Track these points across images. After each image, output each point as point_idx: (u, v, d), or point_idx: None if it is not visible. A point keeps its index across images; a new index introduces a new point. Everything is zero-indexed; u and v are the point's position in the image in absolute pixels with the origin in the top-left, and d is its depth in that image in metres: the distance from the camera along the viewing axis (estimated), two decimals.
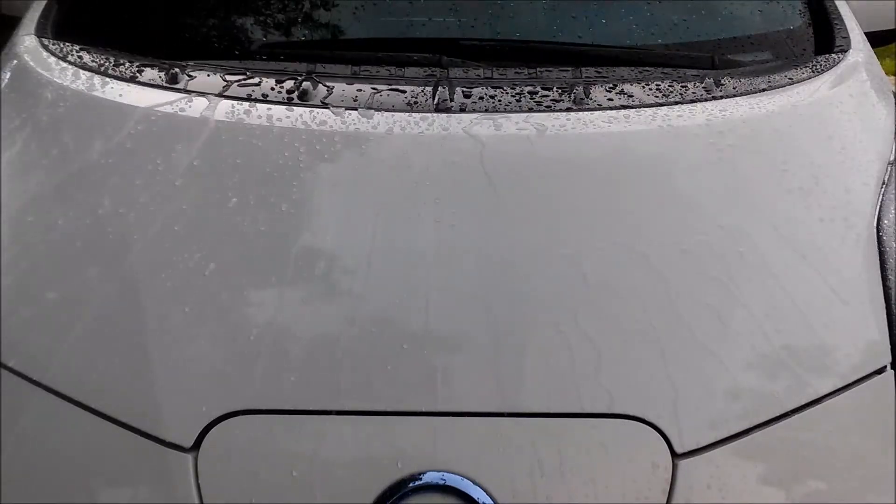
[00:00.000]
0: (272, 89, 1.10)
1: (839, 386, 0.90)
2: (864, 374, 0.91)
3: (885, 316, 0.95)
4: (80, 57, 1.19)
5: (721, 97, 1.12)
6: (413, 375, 0.87)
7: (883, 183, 1.08)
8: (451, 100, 1.08)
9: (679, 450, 0.85)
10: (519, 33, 1.26)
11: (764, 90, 1.16)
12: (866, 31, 1.39)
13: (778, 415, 0.88)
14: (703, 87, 1.14)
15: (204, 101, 1.08)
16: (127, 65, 1.16)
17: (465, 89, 1.10)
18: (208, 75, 1.13)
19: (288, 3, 1.29)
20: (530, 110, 1.08)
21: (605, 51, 1.23)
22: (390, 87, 1.11)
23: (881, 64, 1.36)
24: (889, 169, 1.10)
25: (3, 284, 0.94)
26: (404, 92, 1.10)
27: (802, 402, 0.89)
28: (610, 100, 1.10)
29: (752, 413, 0.88)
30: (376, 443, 0.85)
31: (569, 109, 1.08)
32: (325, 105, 1.08)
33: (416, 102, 1.08)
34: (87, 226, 0.98)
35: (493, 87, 1.11)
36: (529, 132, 1.04)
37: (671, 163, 1.05)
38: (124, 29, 1.29)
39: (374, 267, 0.94)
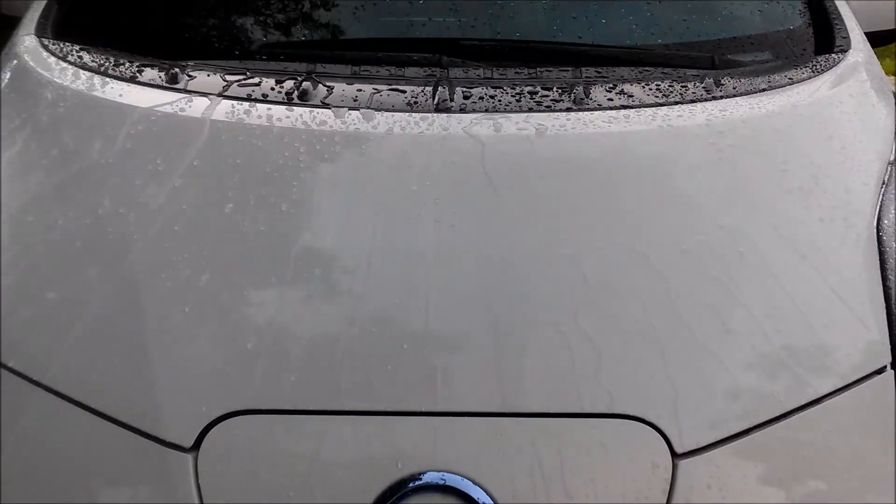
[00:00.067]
0: (272, 89, 1.10)
1: (839, 386, 0.90)
2: (864, 374, 0.91)
3: (885, 316, 0.95)
4: (80, 57, 1.19)
5: (721, 97, 1.12)
6: (413, 375, 0.87)
7: (883, 183, 1.08)
8: (451, 100, 1.08)
9: (679, 450, 0.85)
10: (519, 33, 1.26)
11: (764, 90, 1.16)
12: (866, 31, 1.39)
13: (778, 415, 0.88)
14: (703, 87, 1.14)
15: (204, 101, 1.08)
16: (127, 65, 1.16)
17: (465, 89, 1.10)
18: (208, 75, 1.13)
19: (288, 3, 1.29)
20: (530, 110, 1.08)
21: (605, 51, 1.23)
22: (390, 87, 1.11)
23: (881, 64, 1.36)
24: (889, 169, 1.10)
25: (3, 284, 0.94)
26: (404, 92, 1.10)
27: (802, 402, 0.89)
28: (610, 100, 1.10)
29: (752, 413, 0.88)
30: (376, 443, 0.85)
31: (569, 109, 1.08)
32: (325, 105, 1.08)
33: (416, 102, 1.08)
34: (87, 226, 0.98)
35: (493, 87, 1.11)
36: (529, 132, 1.04)
37: (671, 163, 1.05)
38: (124, 29, 1.29)
39: (374, 267, 0.94)
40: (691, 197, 1.02)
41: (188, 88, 1.11)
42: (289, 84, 1.11)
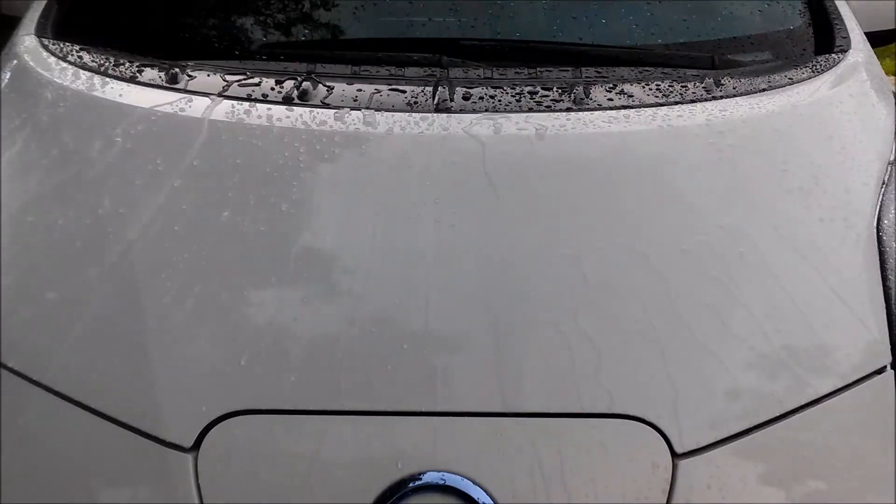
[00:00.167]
0: (272, 89, 1.10)
1: (839, 386, 0.90)
2: (864, 374, 0.91)
3: (885, 316, 0.95)
4: (80, 57, 1.19)
5: (721, 97, 1.12)
6: (413, 375, 0.87)
7: (883, 183, 1.08)
8: (451, 100, 1.08)
9: (679, 450, 0.85)
10: (519, 33, 1.26)
11: (764, 90, 1.16)
12: (866, 31, 1.39)
13: (778, 415, 0.88)
14: (703, 87, 1.14)
15: (204, 101, 1.08)
16: (127, 65, 1.16)
17: (465, 89, 1.10)
18: (208, 75, 1.13)
19: (288, 3, 1.29)
20: (530, 110, 1.08)
21: (605, 51, 1.23)
22: (390, 87, 1.11)
23: (881, 64, 1.36)
24: (889, 169, 1.10)
25: (3, 284, 0.94)
26: (404, 92, 1.10)
27: (802, 402, 0.89)
28: (610, 100, 1.10)
29: (752, 413, 0.88)
30: (376, 443, 0.85)
31: (569, 109, 1.08)
32: (325, 105, 1.08)
33: (416, 102, 1.08)
34: (87, 226, 0.98)
35: (493, 87, 1.11)
36: (529, 132, 1.04)
37: (671, 163, 1.05)
38: (124, 29, 1.29)
39: (374, 267, 0.94)
40: (691, 197, 1.02)
41: (188, 88, 1.11)
42: (289, 84, 1.11)
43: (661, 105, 1.10)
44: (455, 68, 1.17)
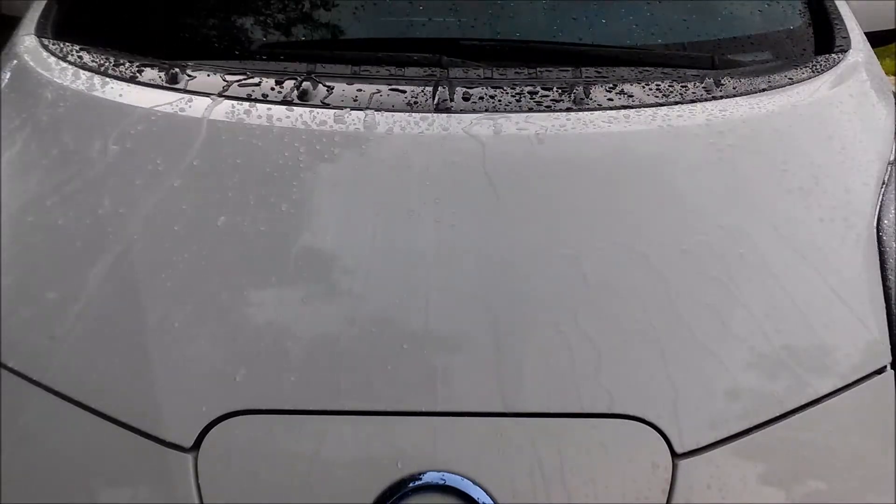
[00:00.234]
0: (272, 89, 1.10)
1: (839, 386, 0.90)
2: (864, 374, 0.91)
3: (885, 316, 0.95)
4: (80, 57, 1.19)
5: (721, 97, 1.12)
6: (413, 375, 0.87)
7: (883, 183, 1.08)
8: (451, 100, 1.08)
9: (679, 450, 0.85)
10: (519, 33, 1.26)
11: (764, 90, 1.16)
12: (866, 31, 1.39)
13: (778, 415, 0.88)
14: (703, 87, 1.14)
15: (204, 101, 1.08)
16: (127, 65, 1.16)
17: (465, 89, 1.10)
18: (208, 75, 1.13)
19: (288, 3, 1.29)
20: (530, 110, 1.08)
21: (605, 51, 1.23)
22: (390, 87, 1.11)
23: (881, 64, 1.36)
24: (889, 169, 1.10)
25: (3, 284, 0.94)
26: (404, 92, 1.10)
27: (802, 402, 0.89)
28: (610, 100, 1.10)
29: (752, 413, 0.88)
30: (376, 443, 0.85)
31: (569, 109, 1.08)
32: (325, 105, 1.08)
33: (416, 102, 1.08)
34: (87, 226, 0.98)
35: (493, 87, 1.11)
36: (529, 132, 1.04)
37: (671, 163, 1.05)
38: (124, 29, 1.29)
39: (374, 267, 0.94)
40: (691, 197, 1.02)
41: (188, 88, 1.11)
42: (289, 84, 1.11)
43: (661, 105, 1.10)
44: (455, 68, 1.17)
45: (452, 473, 0.83)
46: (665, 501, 0.84)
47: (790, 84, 1.18)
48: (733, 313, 0.93)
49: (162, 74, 1.13)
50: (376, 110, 1.07)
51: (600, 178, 1.03)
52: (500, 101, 1.09)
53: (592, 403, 0.86)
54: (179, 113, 1.07)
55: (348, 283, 0.93)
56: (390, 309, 0.91)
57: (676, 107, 1.10)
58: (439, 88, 1.10)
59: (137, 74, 1.14)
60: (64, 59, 1.19)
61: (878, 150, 1.13)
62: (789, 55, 1.30)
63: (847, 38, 1.31)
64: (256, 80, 1.11)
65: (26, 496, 0.85)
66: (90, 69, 1.16)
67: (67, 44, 1.23)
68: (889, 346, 0.93)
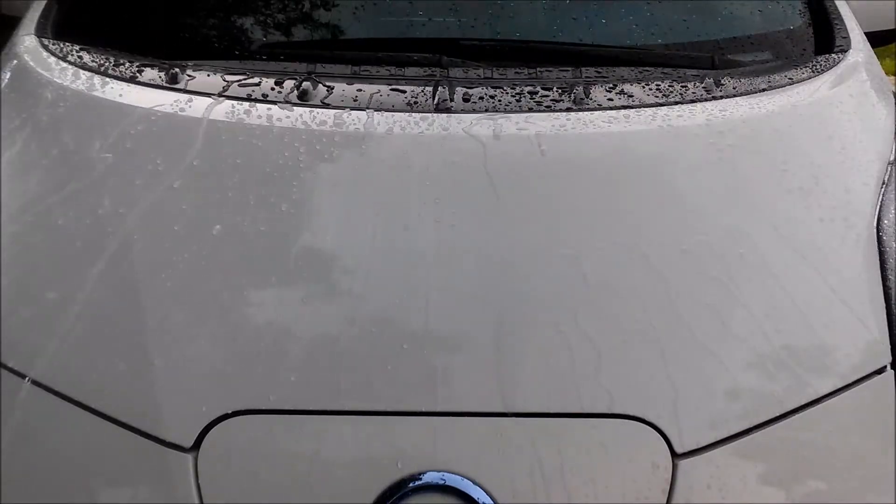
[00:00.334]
0: (272, 89, 1.10)
1: (839, 386, 0.90)
2: (864, 374, 0.91)
3: (885, 316, 0.95)
4: (80, 57, 1.19)
5: (721, 97, 1.12)
6: (413, 375, 0.87)
7: (883, 183, 1.08)
8: (451, 100, 1.08)
9: (679, 450, 0.85)
10: (519, 33, 1.26)
11: (764, 90, 1.16)
12: (866, 31, 1.39)
13: (778, 415, 0.88)
14: (703, 87, 1.14)
15: (204, 101, 1.08)
16: (127, 65, 1.16)
17: (465, 89, 1.10)
18: (208, 75, 1.13)
19: (288, 3, 1.29)
20: (530, 110, 1.08)
21: (605, 51, 1.23)
22: (390, 87, 1.11)
23: (881, 64, 1.36)
24: (889, 169, 1.10)
25: (3, 284, 0.94)
26: (404, 92, 1.10)
27: (802, 402, 0.89)
28: (610, 100, 1.10)
29: (752, 413, 0.87)
30: (376, 443, 0.85)
31: (569, 109, 1.08)
32: (325, 105, 1.08)
33: (416, 102, 1.08)
34: (87, 226, 0.98)
35: (493, 87, 1.11)
36: (529, 132, 1.04)
37: (671, 163, 1.05)
38: (124, 29, 1.29)
39: (374, 267, 0.94)
40: (691, 197, 1.02)
41: (188, 88, 1.11)
42: (289, 84, 1.11)
43: (661, 105, 1.10)
44: (455, 68, 1.17)
45: (452, 473, 0.83)
46: (665, 501, 0.84)
47: (790, 84, 1.18)
48: (733, 313, 0.93)
49: (162, 74, 1.13)
50: (376, 110, 1.07)
51: (600, 178, 1.03)
52: (500, 101, 1.09)
53: (592, 403, 0.86)
54: (179, 113, 1.07)
55: (348, 283, 0.93)
56: (390, 309, 0.91)
57: (676, 107, 1.10)
58: (439, 88, 1.10)
59: (137, 74, 1.14)
60: (64, 59, 1.19)
61: (878, 150, 1.13)
62: (789, 55, 1.30)
63: (847, 38, 1.31)
64: (256, 80, 1.11)
65: (26, 496, 0.85)
66: (90, 69, 1.16)
67: (67, 44, 1.22)
68: (889, 346, 0.93)
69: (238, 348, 0.89)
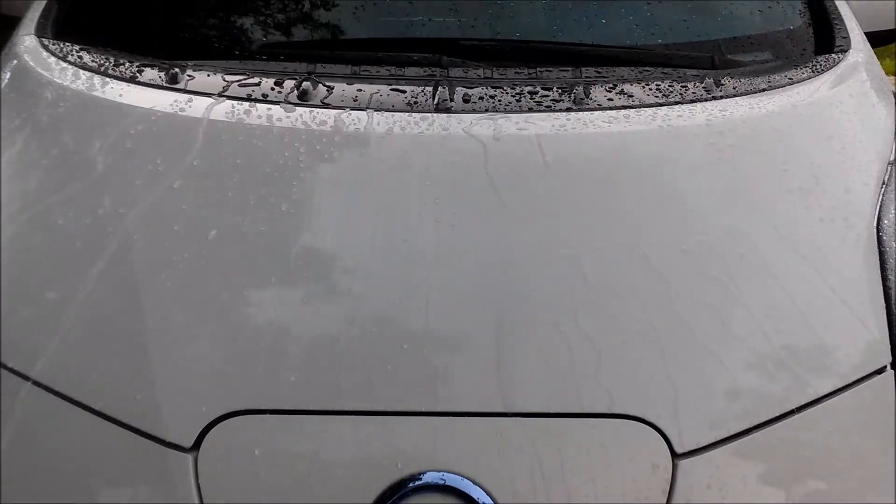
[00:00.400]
0: (272, 89, 1.10)
1: (839, 386, 0.90)
2: (864, 374, 0.91)
3: (885, 316, 0.95)
4: (80, 57, 1.19)
5: (721, 97, 1.12)
6: (413, 375, 0.87)
7: (883, 183, 1.08)
8: (451, 100, 1.08)
9: (679, 450, 0.85)
10: (519, 33, 1.26)
11: (764, 90, 1.16)
12: (866, 31, 1.39)
13: (778, 415, 0.88)
14: (703, 87, 1.14)
15: (204, 101, 1.08)
16: (127, 65, 1.16)
17: (465, 89, 1.10)
18: (208, 75, 1.13)
19: (288, 3, 1.29)
20: (530, 110, 1.08)
21: (605, 51, 1.23)
22: (390, 87, 1.11)
23: (881, 64, 1.36)
24: (889, 169, 1.10)
25: (3, 284, 0.94)
26: (404, 92, 1.10)
27: (802, 402, 0.89)
28: (610, 100, 1.10)
29: (752, 413, 0.88)
30: (376, 443, 0.85)
31: (569, 109, 1.08)
32: (325, 105, 1.08)
33: (416, 102, 1.08)
34: (87, 226, 0.98)
35: (493, 87, 1.11)
36: (529, 132, 1.04)
37: (671, 163, 1.05)
38: (124, 29, 1.29)
39: (374, 267, 0.94)
40: (691, 197, 1.02)
41: (188, 88, 1.11)
42: (289, 84, 1.11)
43: (661, 105, 1.10)
44: (455, 68, 1.17)
45: (452, 473, 0.83)
46: (665, 501, 0.84)
47: (790, 84, 1.18)
48: (733, 313, 0.93)
49: (162, 74, 1.13)
50: (376, 110, 1.07)
51: (600, 178, 1.03)
52: (500, 101, 1.09)
53: (592, 403, 0.86)
54: (179, 113, 1.07)
55: (348, 283, 0.93)
56: (390, 309, 0.91)
57: (676, 107, 1.10)
58: (439, 88, 1.10)
59: (137, 74, 1.14)
60: (64, 59, 1.19)
61: (878, 150, 1.13)
62: (789, 55, 1.30)
63: (847, 38, 1.31)
64: (256, 80, 1.11)
65: (26, 496, 0.85)
66: (90, 69, 1.16)
67: (67, 44, 1.22)
68: (889, 346, 0.93)
69: (238, 348, 0.89)
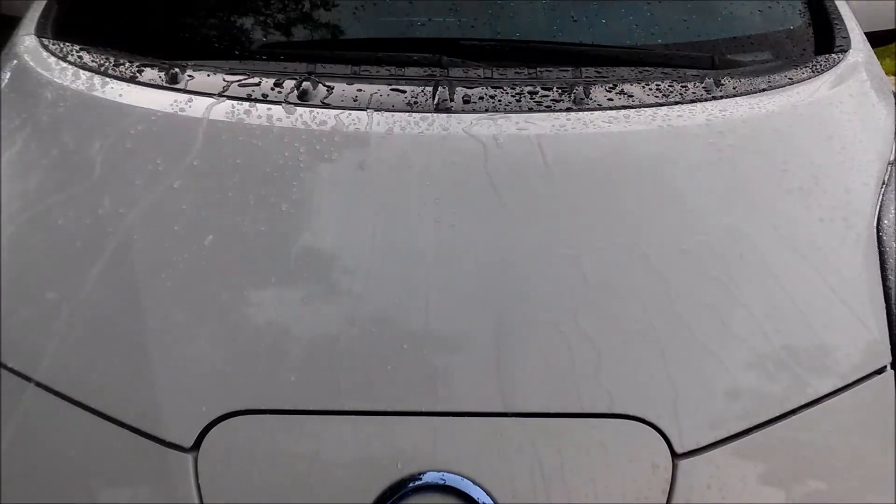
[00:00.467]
0: (272, 89, 1.10)
1: (839, 386, 0.90)
2: (864, 374, 0.91)
3: (885, 316, 0.95)
4: (80, 57, 1.19)
5: (721, 97, 1.12)
6: (413, 375, 0.87)
7: (883, 183, 1.08)
8: (451, 100, 1.08)
9: (679, 450, 0.85)
10: (519, 33, 1.26)
11: (764, 90, 1.16)
12: (866, 31, 1.39)
13: (778, 415, 0.88)
14: (703, 87, 1.14)
15: (204, 101, 1.08)
16: (127, 65, 1.16)
17: (465, 89, 1.10)
18: (208, 75, 1.13)
19: (288, 3, 1.29)
20: (530, 110, 1.08)
21: (605, 51, 1.23)
22: (390, 87, 1.11)
23: (881, 64, 1.36)
24: (889, 169, 1.10)
25: (3, 284, 0.94)
26: (404, 92, 1.10)
27: (802, 402, 0.89)
28: (610, 100, 1.10)
29: (752, 413, 0.88)
30: (376, 443, 0.85)
31: (569, 109, 1.08)
32: (325, 105, 1.08)
33: (416, 102, 1.08)
34: (87, 226, 0.98)
35: (493, 87, 1.11)
36: (529, 132, 1.04)
37: (671, 163, 1.05)
38: (124, 29, 1.29)
39: (374, 267, 0.94)
40: (691, 197, 1.02)
41: (188, 88, 1.11)
42: (289, 84, 1.11)
43: (661, 105, 1.10)
44: (455, 68, 1.17)
45: (452, 473, 0.83)
46: (665, 501, 0.84)
47: (790, 84, 1.18)
48: (733, 313, 0.93)
49: (162, 74, 1.13)
50: (376, 110, 1.07)
51: (600, 178, 1.03)
52: (500, 101, 1.09)
53: (592, 403, 0.86)
54: (179, 113, 1.07)
55: (348, 283, 0.93)
56: (390, 309, 0.91)
57: (676, 107, 1.10)
58: (439, 88, 1.10)
59: (137, 74, 1.14)
60: (64, 59, 1.19)
61: (878, 150, 1.13)
62: (789, 55, 1.30)
63: (847, 38, 1.31)
64: (256, 80, 1.11)
65: (26, 496, 0.85)
66: (90, 69, 1.16)
67: (67, 44, 1.22)
68: (889, 346, 0.93)
69: (238, 348, 0.89)
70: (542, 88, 1.11)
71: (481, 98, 1.09)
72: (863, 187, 1.06)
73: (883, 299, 0.96)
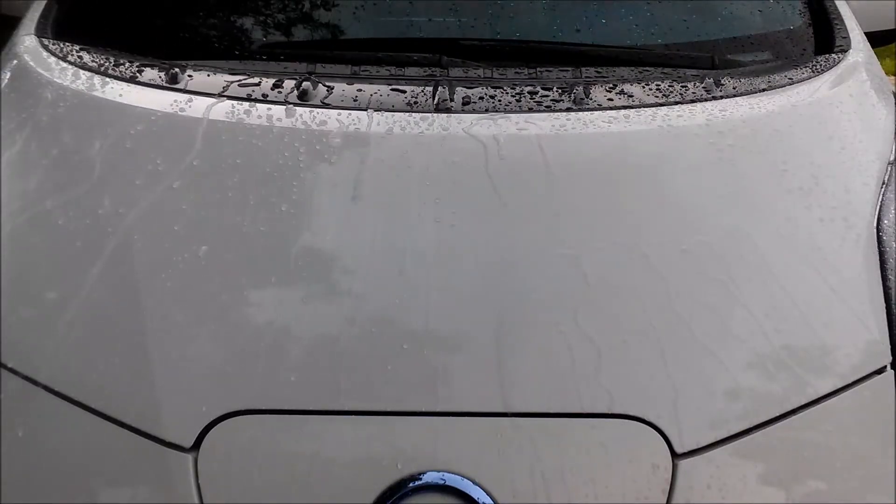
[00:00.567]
0: (272, 89, 1.10)
1: (839, 386, 0.90)
2: (864, 374, 0.91)
3: (885, 316, 0.95)
4: (80, 57, 1.19)
5: (721, 97, 1.12)
6: (413, 375, 0.87)
7: (883, 183, 1.08)
8: (451, 100, 1.08)
9: (679, 450, 0.85)
10: (519, 33, 1.26)
11: (764, 90, 1.16)
12: (866, 31, 1.39)
13: (778, 415, 0.88)
14: (703, 87, 1.14)
15: (204, 101, 1.08)
16: (127, 65, 1.16)
17: (465, 89, 1.10)
18: (208, 75, 1.13)
19: (288, 3, 1.29)
20: (530, 110, 1.08)
21: (605, 51, 1.23)
22: (390, 87, 1.11)
23: (881, 64, 1.36)
24: (889, 169, 1.10)
25: (3, 284, 0.94)
26: (404, 92, 1.10)
27: (802, 402, 0.89)
28: (610, 100, 1.10)
29: (752, 413, 0.88)
30: (376, 443, 0.85)
31: (569, 109, 1.08)
32: (325, 105, 1.08)
33: (416, 102, 1.08)
34: (87, 226, 0.98)
35: (493, 88, 1.11)
36: (529, 132, 1.04)
37: (671, 163, 1.05)
38: (124, 29, 1.29)
39: (375, 267, 0.94)
40: (691, 197, 1.02)
41: (188, 88, 1.11)
42: (289, 84, 1.11)
43: (661, 105, 1.10)
44: (455, 68, 1.17)
45: (452, 473, 0.83)
46: (665, 501, 0.84)
47: (790, 84, 1.18)
48: (733, 313, 0.93)
49: (162, 74, 1.13)
50: (376, 110, 1.07)
51: (600, 178, 1.03)
52: (500, 101, 1.09)
53: (592, 403, 0.86)
54: (179, 113, 1.07)
55: (348, 283, 0.93)
56: (390, 309, 0.91)
57: (676, 107, 1.10)
58: (439, 88, 1.10)
59: (137, 74, 1.14)
60: (64, 59, 1.19)
61: (878, 150, 1.13)
62: (789, 55, 1.30)
63: (847, 38, 1.31)
64: (256, 80, 1.11)
65: (26, 496, 0.85)
66: (90, 69, 1.16)
67: (67, 44, 1.22)
68: (889, 346, 0.93)
69: (238, 348, 0.89)
70: (542, 88, 1.11)
71: (481, 98, 1.09)
72: (863, 187, 1.06)
73: (883, 299, 0.96)
